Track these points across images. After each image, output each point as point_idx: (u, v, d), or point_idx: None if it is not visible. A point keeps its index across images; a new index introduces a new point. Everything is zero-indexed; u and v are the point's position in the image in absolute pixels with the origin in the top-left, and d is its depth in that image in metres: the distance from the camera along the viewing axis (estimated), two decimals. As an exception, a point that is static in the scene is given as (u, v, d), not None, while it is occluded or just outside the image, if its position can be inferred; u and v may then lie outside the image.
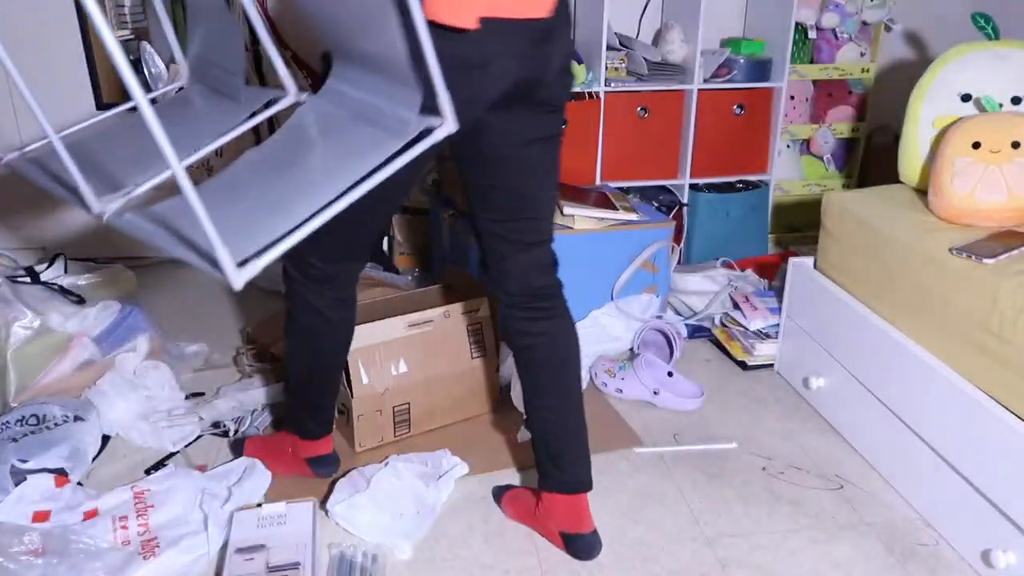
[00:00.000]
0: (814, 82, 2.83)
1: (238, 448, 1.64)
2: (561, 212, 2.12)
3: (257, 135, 2.41)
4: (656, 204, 2.55)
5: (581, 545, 1.38)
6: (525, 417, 1.43)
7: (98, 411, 1.70)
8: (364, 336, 1.61)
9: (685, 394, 1.88)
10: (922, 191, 1.75)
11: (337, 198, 0.86)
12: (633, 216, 2.13)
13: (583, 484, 1.39)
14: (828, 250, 1.82)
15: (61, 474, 1.51)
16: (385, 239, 2.66)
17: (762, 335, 2.06)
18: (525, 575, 1.35)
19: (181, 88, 1.23)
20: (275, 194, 0.89)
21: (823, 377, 1.81)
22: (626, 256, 2.14)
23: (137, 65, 2.73)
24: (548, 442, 1.38)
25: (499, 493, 1.53)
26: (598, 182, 2.60)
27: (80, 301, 1.90)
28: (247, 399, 1.83)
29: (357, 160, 0.91)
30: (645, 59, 2.50)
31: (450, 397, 1.74)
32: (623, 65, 2.52)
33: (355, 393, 1.61)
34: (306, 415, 1.52)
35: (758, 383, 2.00)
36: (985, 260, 1.39)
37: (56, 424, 1.59)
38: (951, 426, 1.40)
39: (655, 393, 1.86)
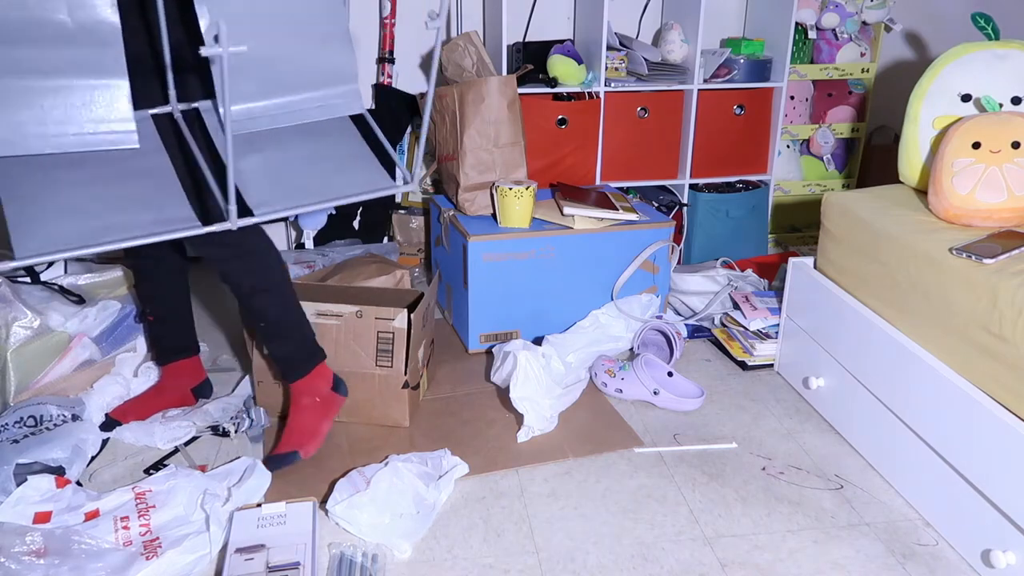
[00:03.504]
0: (814, 82, 2.83)
1: (277, 462, 1.58)
2: (561, 212, 2.12)
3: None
4: (656, 204, 2.55)
5: None
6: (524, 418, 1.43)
7: (95, 409, 1.70)
8: None
9: (685, 394, 1.89)
10: (922, 191, 1.75)
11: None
12: (633, 216, 2.13)
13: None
14: (828, 250, 1.82)
15: (61, 473, 1.51)
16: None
17: (762, 335, 2.06)
18: (525, 575, 1.36)
19: None
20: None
21: (823, 377, 1.82)
22: (626, 256, 2.14)
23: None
24: None
25: None
26: (598, 182, 2.60)
27: (80, 301, 1.90)
28: (248, 399, 1.84)
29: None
30: (645, 59, 2.50)
31: (353, 395, 1.73)
32: (623, 65, 2.52)
33: (254, 361, 1.75)
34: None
35: (758, 383, 2.00)
36: (985, 260, 1.39)
37: (55, 424, 1.60)
38: (951, 426, 1.40)
39: (655, 393, 1.86)
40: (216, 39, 0.78)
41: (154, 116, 1.12)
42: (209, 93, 1.19)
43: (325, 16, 1.07)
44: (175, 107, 1.13)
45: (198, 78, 1.22)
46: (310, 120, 1.12)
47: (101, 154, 1.01)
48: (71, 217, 0.91)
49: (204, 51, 0.79)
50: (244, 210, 0.97)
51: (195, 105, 1.15)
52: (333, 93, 1.13)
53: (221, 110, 0.82)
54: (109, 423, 1.71)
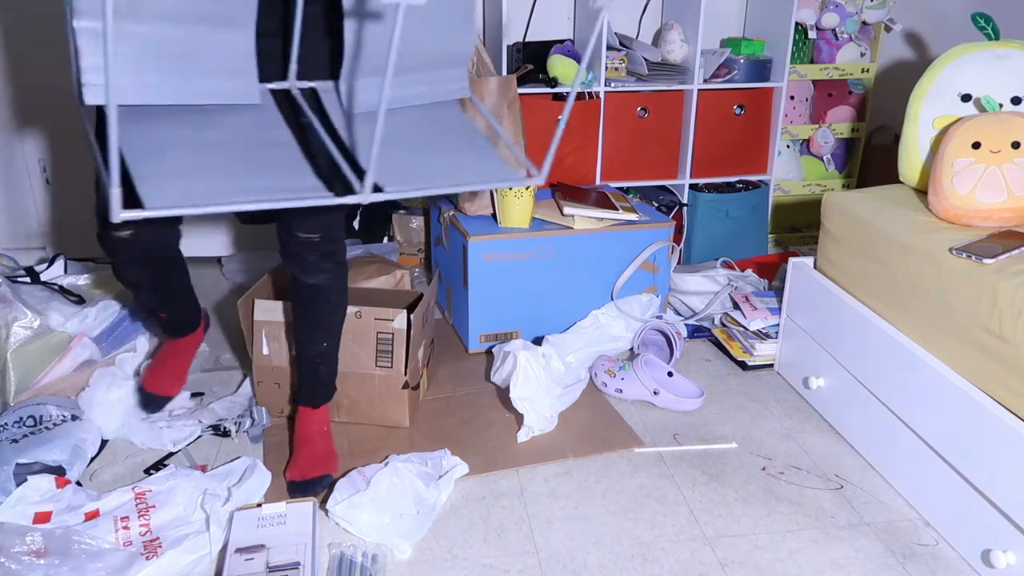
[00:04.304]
0: (814, 82, 2.83)
1: (314, 485, 1.56)
2: (561, 212, 2.12)
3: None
4: (656, 204, 2.55)
5: None
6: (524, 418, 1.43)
7: (94, 409, 1.70)
8: (274, 311, 1.71)
9: (685, 394, 1.89)
10: (922, 191, 1.75)
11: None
12: (633, 216, 2.13)
13: None
14: (828, 250, 1.82)
15: (61, 473, 1.51)
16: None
17: (762, 335, 2.06)
18: (525, 575, 1.35)
19: None
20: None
21: (823, 377, 1.82)
22: (626, 256, 2.14)
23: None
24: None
25: None
26: (598, 182, 2.60)
27: (80, 301, 1.90)
28: (249, 399, 1.84)
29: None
30: (645, 59, 2.50)
31: (351, 396, 1.73)
32: (623, 65, 2.52)
33: (255, 361, 1.75)
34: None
35: (758, 383, 2.00)
36: (985, 260, 1.39)
37: (55, 424, 1.59)
38: (951, 426, 1.40)
39: (655, 393, 1.86)
40: None
41: (272, 91, 1.11)
42: (329, 75, 1.17)
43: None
44: (294, 84, 1.11)
45: (316, 59, 1.20)
46: (428, 101, 1.12)
47: (224, 119, 0.99)
48: (201, 175, 0.88)
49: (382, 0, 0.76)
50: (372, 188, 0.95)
51: (312, 84, 1.13)
52: (451, 75, 1.12)
53: (388, 71, 0.78)
54: (149, 398, 1.73)
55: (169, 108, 0.98)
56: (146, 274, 1.53)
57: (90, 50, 0.90)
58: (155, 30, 0.92)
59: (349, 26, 1.03)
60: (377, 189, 0.89)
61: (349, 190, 0.88)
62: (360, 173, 0.92)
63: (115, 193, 0.73)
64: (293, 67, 1.11)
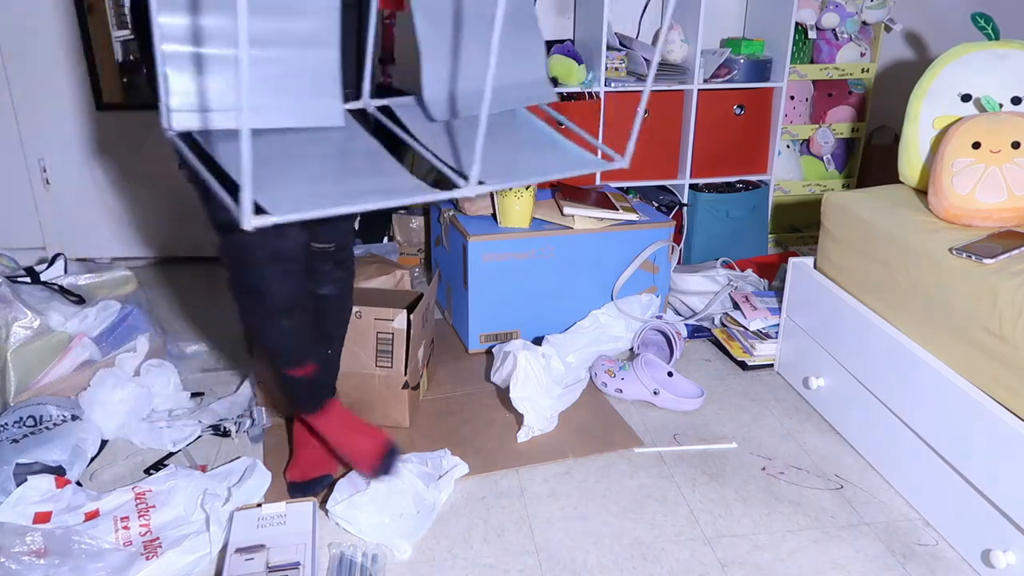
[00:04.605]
0: (814, 82, 2.83)
1: (315, 485, 1.55)
2: (561, 212, 2.12)
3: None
4: (656, 204, 2.55)
5: None
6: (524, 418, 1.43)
7: (94, 409, 1.70)
8: None
9: (685, 394, 1.89)
10: (922, 191, 1.75)
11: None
12: (633, 216, 2.13)
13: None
14: (828, 250, 1.82)
15: (61, 473, 1.51)
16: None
17: (762, 335, 2.06)
18: (525, 575, 1.35)
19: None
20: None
21: (823, 377, 1.82)
22: (626, 256, 2.14)
23: (137, 65, 2.73)
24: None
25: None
26: (598, 182, 2.60)
27: (80, 301, 1.90)
28: (249, 399, 1.84)
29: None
30: (645, 59, 2.50)
31: (351, 396, 1.73)
32: (623, 65, 2.52)
33: (257, 362, 1.76)
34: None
35: (758, 383, 2.00)
36: (985, 260, 1.39)
37: (55, 424, 1.59)
38: (951, 426, 1.40)
39: (655, 393, 1.86)
40: None
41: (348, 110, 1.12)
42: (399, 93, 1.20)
43: (519, 4, 1.11)
44: (368, 102, 1.12)
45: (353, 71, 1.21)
46: (513, 106, 1.15)
47: (314, 133, 1.00)
48: (312, 183, 0.89)
49: None
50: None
51: (386, 102, 1.14)
52: (532, 80, 1.16)
53: (489, 66, 0.79)
54: (304, 487, 1.56)
55: (257, 129, 0.99)
56: (299, 285, 1.36)
57: (178, 75, 0.89)
58: (249, 55, 0.92)
59: (439, 34, 1.04)
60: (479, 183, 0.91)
61: (447, 186, 0.90)
62: (455, 171, 0.95)
63: (246, 199, 0.74)
64: (367, 86, 1.12)
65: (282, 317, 1.36)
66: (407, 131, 1.08)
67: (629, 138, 0.94)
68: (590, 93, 2.49)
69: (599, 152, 1.08)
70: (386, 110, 1.13)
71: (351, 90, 1.19)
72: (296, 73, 0.98)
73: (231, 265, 1.33)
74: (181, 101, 0.90)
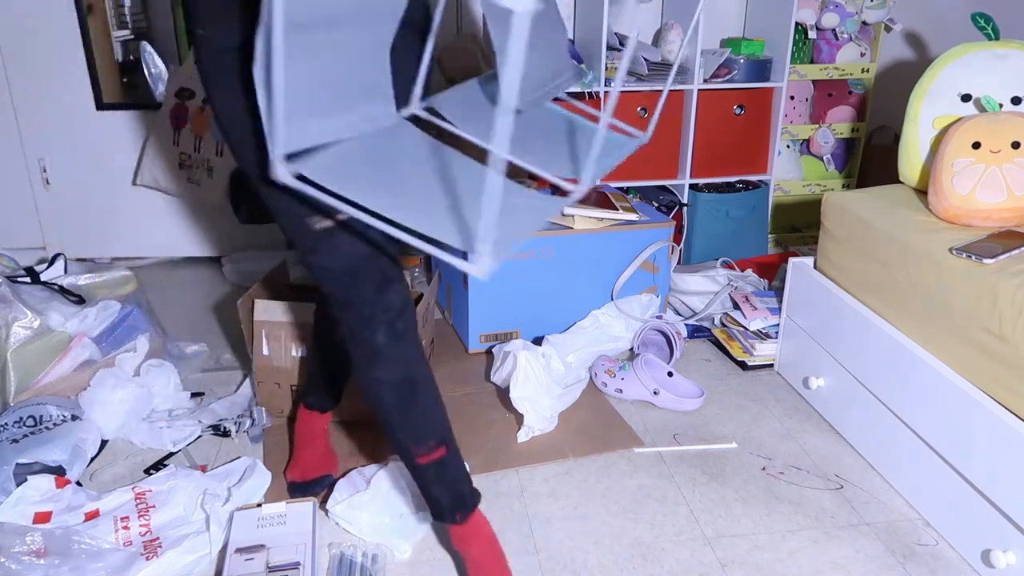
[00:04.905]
0: (814, 82, 2.83)
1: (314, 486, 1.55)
2: (561, 212, 2.12)
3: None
4: (656, 204, 2.55)
5: None
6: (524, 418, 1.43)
7: (94, 409, 1.70)
8: (274, 311, 1.71)
9: (685, 394, 1.89)
10: (922, 191, 1.75)
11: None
12: (633, 216, 2.13)
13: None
14: (828, 250, 1.82)
15: (61, 473, 1.51)
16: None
17: (762, 335, 2.06)
18: (525, 575, 1.35)
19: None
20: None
21: (823, 377, 1.82)
22: (626, 256, 2.14)
23: (137, 65, 2.74)
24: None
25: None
26: (598, 182, 2.60)
27: (80, 301, 1.90)
28: (249, 399, 1.84)
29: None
30: (645, 59, 2.50)
31: (352, 396, 1.71)
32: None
33: (255, 361, 1.74)
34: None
35: (758, 383, 2.00)
36: (985, 260, 1.39)
37: (55, 424, 1.59)
38: (951, 426, 1.40)
39: (655, 393, 1.86)
40: None
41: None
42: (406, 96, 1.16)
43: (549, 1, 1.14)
44: (417, 106, 1.10)
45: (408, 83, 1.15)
46: (551, 98, 1.18)
47: (389, 141, 0.99)
48: (378, 182, 0.89)
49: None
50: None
51: (429, 103, 1.13)
52: (566, 70, 1.19)
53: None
54: (305, 486, 1.55)
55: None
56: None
57: (287, 118, 0.83)
58: (321, 66, 0.88)
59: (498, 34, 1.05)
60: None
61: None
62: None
63: (278, 141, 0.73)
64: (418, 91, 1.11)
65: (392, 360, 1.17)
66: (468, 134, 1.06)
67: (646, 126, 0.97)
68: (590, 93, 2.49)
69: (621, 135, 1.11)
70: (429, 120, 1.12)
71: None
72: (359, 81, 0.95)
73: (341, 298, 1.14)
74: (291, 143, 0.84)
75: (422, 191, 0.88)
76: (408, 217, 0.81)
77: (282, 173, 0.79)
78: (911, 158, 1.74)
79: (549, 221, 2.11)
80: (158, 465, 1.64)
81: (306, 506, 1.43)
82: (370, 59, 0.95)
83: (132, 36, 2.85)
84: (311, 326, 1.69)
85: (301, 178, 0.83)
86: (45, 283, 1.92)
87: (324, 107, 0.88)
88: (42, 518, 1.38)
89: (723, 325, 2.19)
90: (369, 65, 0.95)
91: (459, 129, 1.04)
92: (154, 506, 1.43)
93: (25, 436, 1.55)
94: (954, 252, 1.44)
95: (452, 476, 1.27)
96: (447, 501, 1.27)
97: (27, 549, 1.27)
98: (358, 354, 1.17)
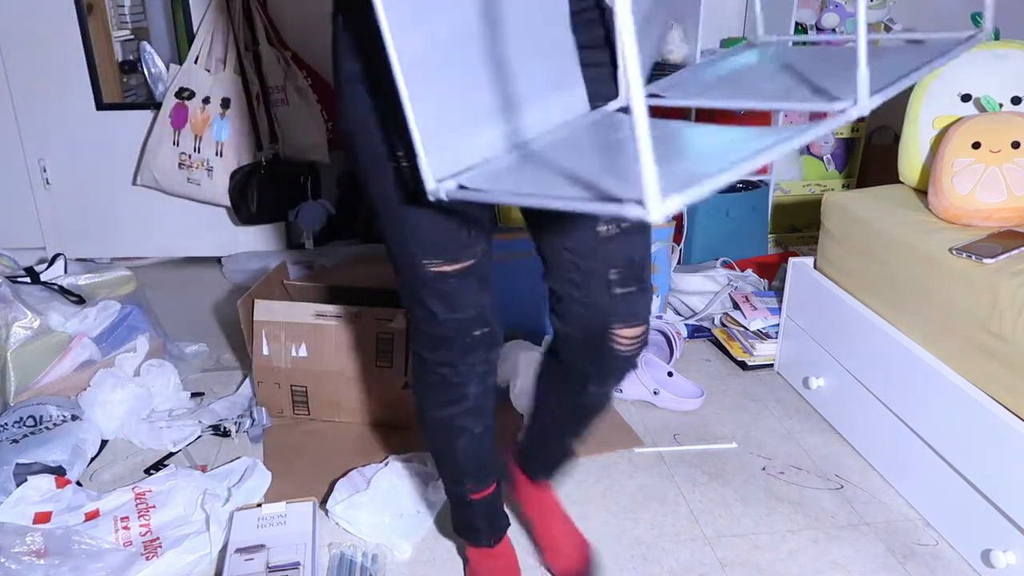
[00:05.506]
0: (814, 82, 2.83)
1: None
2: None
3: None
4: (656, 204, 2.55)
5: None
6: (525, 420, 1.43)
7: (94, 409, 1.70)
8: (274, 311, 1.72)
9: (685, 394, 1.88)
10: (922, 191, 1.75)
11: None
12: (633, 216, 2.12)
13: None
14: (828, 250, 1.82)
15: (61, 473, 1.51)
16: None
17: (762, 335, 2.06)
18: (525, 575, 1.35)
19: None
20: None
21: (823, 377, 1.81)
22: (626, 256, 2.14)
23: (137, 65, 2.74)
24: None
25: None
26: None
27: (80, 301, 1.90)
28: (249, 399, 1.84)
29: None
30: (645, 59, 2.50)
31: (352, 396, 1.74)
32: (623, 65, 2.52)
33: (255, 361, 1.75)
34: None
35: (758, 383, 2.00)
36: (985, 260, 1.39)
37: (55, 424, 1.59)
38: (951, 426, 1.40)
39: (655, 393, 1.86)
40: None
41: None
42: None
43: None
44: (622, 100, 1.09)
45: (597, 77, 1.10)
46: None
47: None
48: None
49: None
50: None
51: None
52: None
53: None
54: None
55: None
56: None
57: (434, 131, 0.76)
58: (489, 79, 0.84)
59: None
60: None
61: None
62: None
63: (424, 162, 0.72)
64: (624, 81, 1.09)
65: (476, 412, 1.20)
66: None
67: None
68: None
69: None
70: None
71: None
72: (543, 81, 0.91)
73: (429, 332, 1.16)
74: (441, 160, 0.77)
75: (594, 163, 0.83)
76: (569, 194, 0.75)
77: (442, 189, 0.73)
78: (911, 158, 1.74)
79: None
80: (158, 465, 1.64)
81: (306, 506, 1.43)
82: (543, 60, 0.91)
83: (132, 36, 2.85)
84: (311, 326, 1.69)
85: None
86: (45, 283, 1.92)
87: (477, 120, 0.83)
88: (42, 518, 1.38)
89: (723, 325, 2.19)
90: (541, 65, 0.91)
91: (688, 102, 0.99)
92: (154, 506, 1.43)
93: (25, 436, 1.55)
94: (954, 252, 1.44)
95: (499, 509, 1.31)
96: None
97: (27, 549, 1.27)
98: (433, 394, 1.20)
